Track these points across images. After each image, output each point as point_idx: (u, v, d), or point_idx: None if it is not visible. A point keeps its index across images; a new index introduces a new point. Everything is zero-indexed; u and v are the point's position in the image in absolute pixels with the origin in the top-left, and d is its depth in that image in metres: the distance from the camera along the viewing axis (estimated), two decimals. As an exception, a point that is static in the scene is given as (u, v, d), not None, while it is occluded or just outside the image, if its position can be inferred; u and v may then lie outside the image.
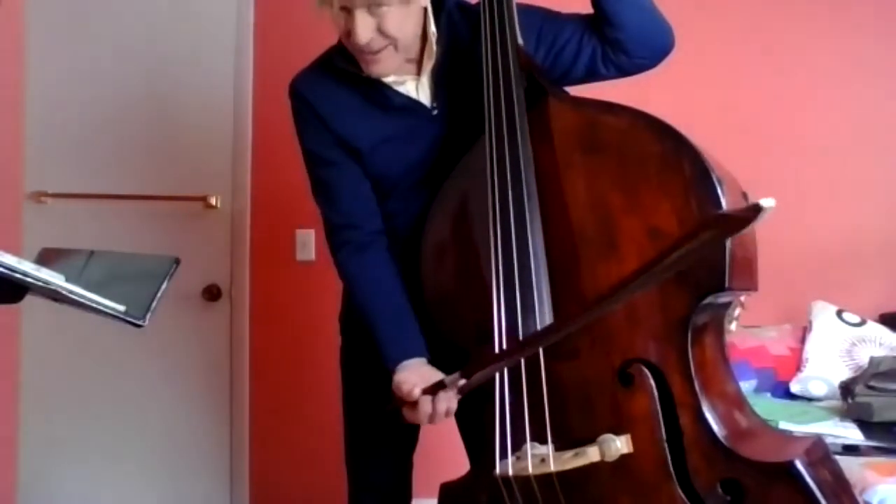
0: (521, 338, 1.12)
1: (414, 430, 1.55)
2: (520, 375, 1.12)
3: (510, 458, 1.09)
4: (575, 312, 1.08)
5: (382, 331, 1.34)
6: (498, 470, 1.09)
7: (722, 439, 1.03)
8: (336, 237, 1.43)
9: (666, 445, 1.04)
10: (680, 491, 1.03)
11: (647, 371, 1.06)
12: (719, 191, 1.04)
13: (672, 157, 1.06)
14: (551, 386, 1.10)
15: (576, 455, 1.04)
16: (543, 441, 1.08)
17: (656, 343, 1.07)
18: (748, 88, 2.53)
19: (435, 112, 1.37)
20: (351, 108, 1.37)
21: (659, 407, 1.05)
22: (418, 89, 1.37)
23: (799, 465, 0.98)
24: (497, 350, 1.15)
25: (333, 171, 1.41)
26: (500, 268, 1.15)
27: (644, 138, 1.09)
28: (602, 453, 1.03)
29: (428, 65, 1.35)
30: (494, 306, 1.14)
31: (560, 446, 1.07)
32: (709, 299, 1.06)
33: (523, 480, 1.08)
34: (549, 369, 1.10)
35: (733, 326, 2.27)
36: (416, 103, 1.37)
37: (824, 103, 2.56)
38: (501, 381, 1.12)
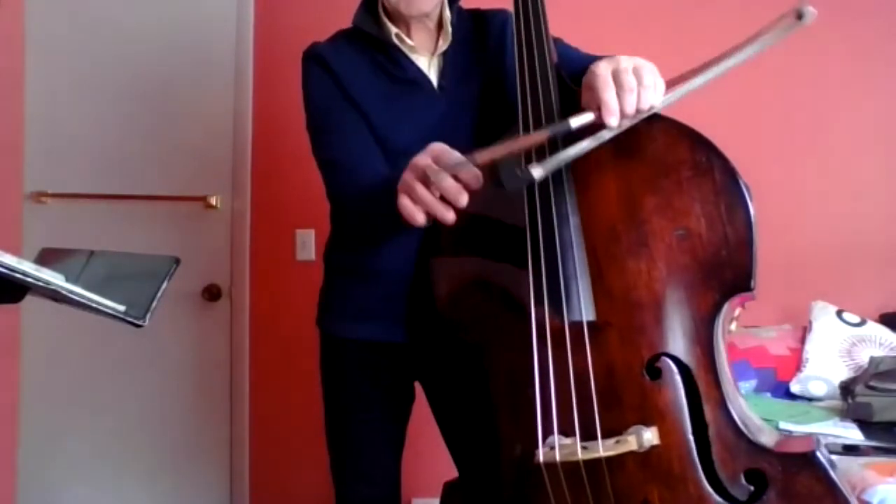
0: (565, 323, 1.12)
1: (401, 430, 1.55)
2: (548, 368, 1.13)
3: (543, 449, 1.10)
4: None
5: (376, 185, 1.23)
6: (542, 458, 1.09)
7: (744, 431, 1.08)
8: (341, 173, 1.38)
9: (692, 437, 1.08)
10: (705, 481, 1.07)
11: (673, 365, 1.10)
12: (747, 196, 1.10)
13: (704, 163, 1.12)
14: (578, 379, 1.12)
15: (617, 442, 1.07)
16: (570, 434, 1.10)
17: (684, 339, 1.11)
18: (748, 89, 2.53)
19: (440, 91, 1.42)
20: (363, 73, 1.41)
21: (685, 400, 1.09)
22: (429, 67, 1.43)
23: (819, 454, 1.05)
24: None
25: (344, 119, 1.39)
26: (543, 253, 1.15)
27: (676, 145, 1.14)
28: (639, 443, 1.07)
29: (443, 46, 1.42)
30: (532, 291, 1.14)
31: (586, 439, 1.09)
32: (735, 300, 1.12)
33: (571, 466, 1.09)
34: (577, 363, 1.12)
35: (733, 326, 2.27)
36: (426, 78, 1.42)
37: (824, 104, 2.57)
38: (543, 369, 1.12)
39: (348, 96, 1.39)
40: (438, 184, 1.01)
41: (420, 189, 1.02)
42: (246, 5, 2.62)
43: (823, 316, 2.33)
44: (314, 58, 1.42)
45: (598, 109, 1.06)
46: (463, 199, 1.01)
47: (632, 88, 1.05)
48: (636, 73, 1.06)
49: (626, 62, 1.08)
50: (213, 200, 2.58)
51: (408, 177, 1.04)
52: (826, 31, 2.54)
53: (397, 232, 1.25)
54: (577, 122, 1.05)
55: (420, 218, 1.03)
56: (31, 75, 2.57)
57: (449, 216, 1.02)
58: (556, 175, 1.15)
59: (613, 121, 1.05)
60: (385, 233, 1.32)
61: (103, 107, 2.58)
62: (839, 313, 2.32)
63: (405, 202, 1.04)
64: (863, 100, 2.57)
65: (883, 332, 2.27)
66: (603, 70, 1.07)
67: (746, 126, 2.49)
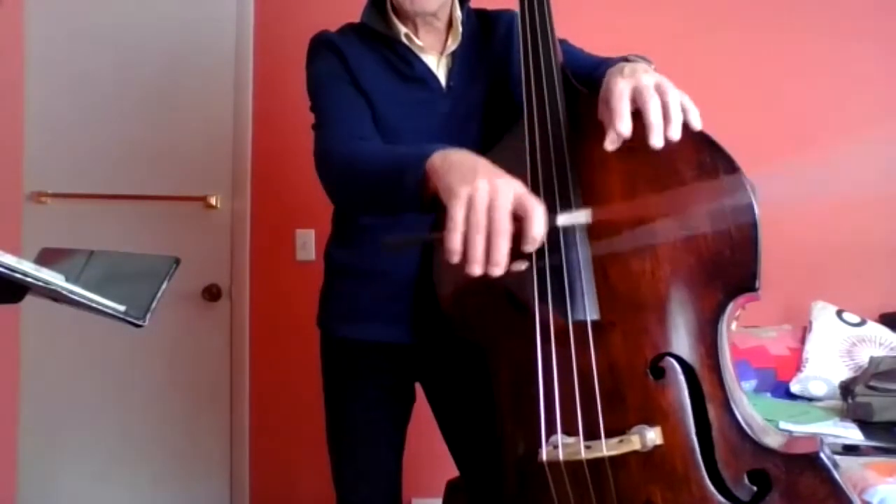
0: (569, 322, 1.12)
1: (401, 431, 1.54)
2: (551, 367, 1.12)
3: (546, 448, 1.10)
4: None
5: (394, 151, 1.17)
6: (545, 457, 1.09)
7: (748, 432, 1.07)
8: (332, 135, 1.32)
9: (695, 437, 1.08)
10: (708, 481, 1.06)
11: (677, 365, 1.10)
12: (752, 195, 1.09)
13: (708, 163, 1.12)
14: (582, 379, 1.11)
15: (620, 442, 1.07)
16: (574, 433, 1.10)
17: (688, 339, 1.10)
18: (748, 88, 2.53)
19: (447, 91, 1.41)
20: (371, 66, 1.39)
21: (689, 400, 1.09)
22: (438, 66, 1.42)
23: (823, 455, 1.04)
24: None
25: (345, 91, 1.36)
26: (547, 252, 1.13)
27: (680, 145, 1.12)
28: (642, 443, 1.07)
29: (452, 46, 1.41)
30: (536, 290, 1.14)
31: (589, 439, 1.09)
32: (740, 300, 1.11)
33: (574, 466, 1.09)
34: (580, 363, 1.12)
35: (733, 326, 2.27)
36: (434, 77, 1.41)
37: (824, 103, 2.57)
38: (546, 368, 1.12)
39: (356, 82, 1.37)
40: (494, 246, 0.93)
41: (480, 244, 0.93)
42: (246, 6, 2.62)
43: (823, 316, 2.33)
44: (324, 42, 1.41)
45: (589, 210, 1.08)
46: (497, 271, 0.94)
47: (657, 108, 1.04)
48: (658, 88, 1.05)
49: (647, 79, 1.05)
50: (213, 200, 2.58)
51: (475, 217, 0.94)
52: (829, 32, 2.55)
53: (380, 209, 1.22)
54: (564, 221, 1.07)
55: (457, 259, 0.94)
56: (31, 75, 2.57)
57: (478, 272, 0.94)
58: (561, 175, 1.15)
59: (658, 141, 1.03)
60: (367, 208, 1.28)
61: (103, 107, 2.58)
62: (839, 313, 2.32)
63: (455, 237, 0.93)
64: (864, 100, 2.56)
65: (883, 332, 2.27)
66: (622, 86, 1.06)
67: (745, 125, 2.49)
